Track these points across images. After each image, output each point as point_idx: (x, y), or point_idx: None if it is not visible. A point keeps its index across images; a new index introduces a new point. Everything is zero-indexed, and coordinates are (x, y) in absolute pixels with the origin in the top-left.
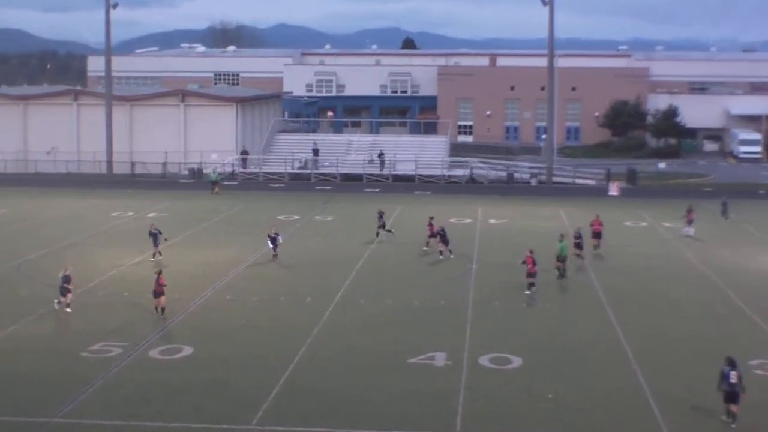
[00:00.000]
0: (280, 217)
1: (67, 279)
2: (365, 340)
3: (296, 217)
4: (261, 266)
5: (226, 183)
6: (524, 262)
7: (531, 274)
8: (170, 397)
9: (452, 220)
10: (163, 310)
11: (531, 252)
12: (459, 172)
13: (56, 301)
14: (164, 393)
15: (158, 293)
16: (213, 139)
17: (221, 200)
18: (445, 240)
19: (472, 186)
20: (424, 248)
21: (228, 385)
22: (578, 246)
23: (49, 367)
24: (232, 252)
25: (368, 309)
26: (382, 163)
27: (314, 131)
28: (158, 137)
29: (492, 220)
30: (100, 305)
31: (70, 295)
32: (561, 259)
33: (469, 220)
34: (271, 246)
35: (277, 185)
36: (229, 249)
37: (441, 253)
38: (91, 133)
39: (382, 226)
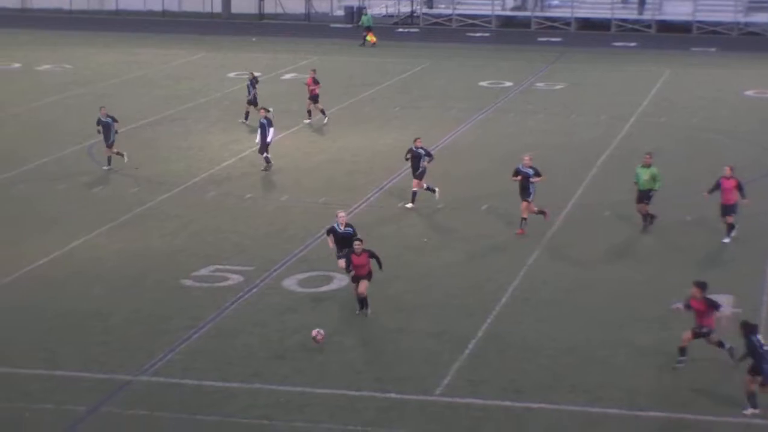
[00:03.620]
0: (483, 84)
1: (345, 230)
2: (608, 274)
3: (507, 83)
4: (447, 159)
5: (401, 30)
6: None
7: (728, 208)
8: (315, 352)
9: (749, 93)
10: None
11: (731, 169)
12: (763, 18)
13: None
14: (305, 344)
15: (360, 275)
16: None
17: (392, 56)
18: (418, 168)
19: None
20: (306, 120)
21: (398, 335)
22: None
23: (133, 301)
24: (407, 135)
25: (617, 228)
26: (642, 3)
27: None
28: None
29: None
30: (210, 211)
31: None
32: (644, 196)
33: None
34: (258, 140)
35: (478, 34)
36: (402, 131)
37: (415, 196)
38: None
39: (252, 102)
